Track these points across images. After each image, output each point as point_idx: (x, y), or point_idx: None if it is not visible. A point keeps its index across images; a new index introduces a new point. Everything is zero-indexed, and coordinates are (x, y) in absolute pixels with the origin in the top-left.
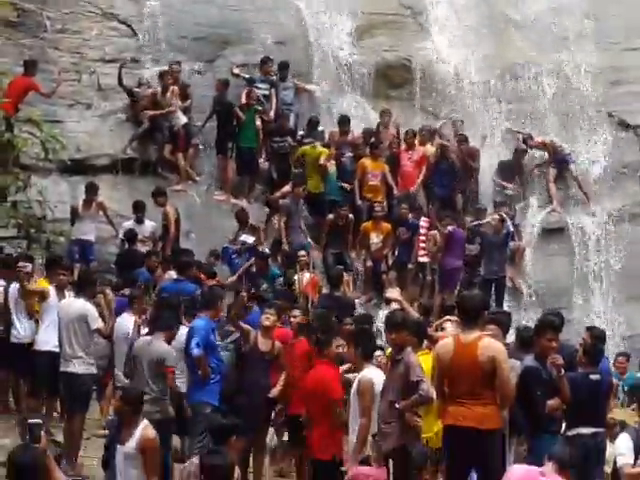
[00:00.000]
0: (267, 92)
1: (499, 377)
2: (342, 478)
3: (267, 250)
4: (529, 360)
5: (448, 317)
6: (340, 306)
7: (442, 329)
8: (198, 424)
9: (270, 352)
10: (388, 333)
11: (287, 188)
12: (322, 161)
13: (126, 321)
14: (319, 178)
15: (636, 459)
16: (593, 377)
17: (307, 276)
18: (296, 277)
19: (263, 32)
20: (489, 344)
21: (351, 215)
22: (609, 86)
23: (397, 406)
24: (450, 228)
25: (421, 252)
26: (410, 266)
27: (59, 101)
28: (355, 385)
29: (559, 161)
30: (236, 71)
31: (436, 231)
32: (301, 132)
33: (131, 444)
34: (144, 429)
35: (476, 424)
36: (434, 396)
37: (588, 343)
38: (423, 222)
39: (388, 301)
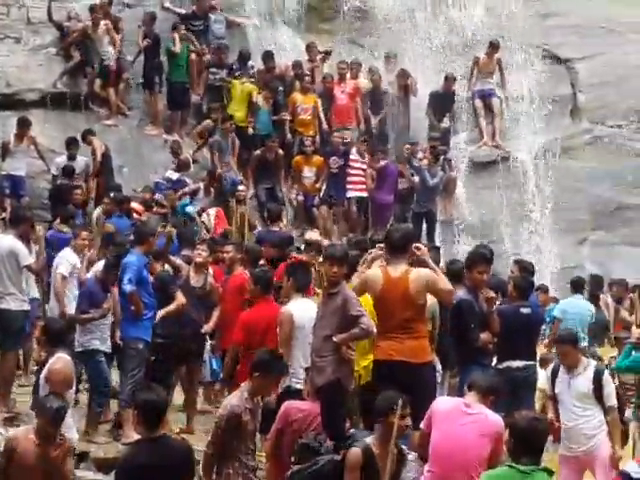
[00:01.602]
0: (201, 28)
1: (438, 289)
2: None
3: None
4: (462, 293)
5: (379, 245)
6: (280, 241)
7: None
8: (131, 359)
9: (202, 287)
10: (329, 266)
11: (208, 121)
12: (254, 97)
13: (67, 257)
14: (245, 112)
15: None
16: (524, 310)
17: (212, 211)
18: (211, 212)
19: None
20: (418, 275)
21: (280, 150)
22: (540, 19)
23: (335, 339)
24: (382, 162)
25: (356, 186)
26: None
27: None
28: None
29: (482, 94)
30: (167, 5)
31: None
32: (234, 65)
33: (44, 373)
34: (53, 361)
35: (408, 357)
36: (374, 330)
37: (517, 276)
38: (354, 155)
39: (308, 243)
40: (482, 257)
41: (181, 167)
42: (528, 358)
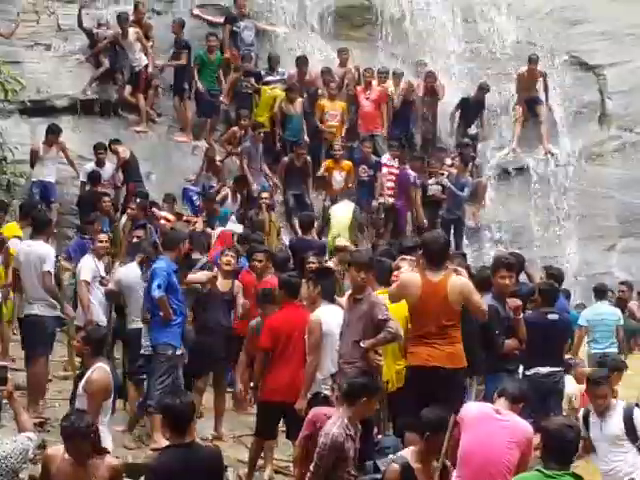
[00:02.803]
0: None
1: (471, 301)
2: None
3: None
4: (488, 299)
5: (403, 256)
6: (314, 248)
7: (398, 268)
8: (161, 365)
9: (229, 292)
10: (356, 272)
11: (236, 128)
12: (276, 107)
13: (87, 263)
14: (267, 116)
15: None
16: (550, 317)
17: (216, 232)
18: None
19: None
20: (457, 281)
21: (309, 157)
22: (569, 26)
23: (362, 345)
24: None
25: (387, 192)
26: (374, 204)
27: (18, 42)
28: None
29: (529, 100)
30: (196, 12)
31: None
32: (263, 71)
33: (82, 384)
34: (93, 371)
35: (445, 363)
36: (402, 334)
37: (543, 282)
38: (387, 160)
39: (338, 249)
40: (503, 262)
41: (214, 172)
42: (555, 364)
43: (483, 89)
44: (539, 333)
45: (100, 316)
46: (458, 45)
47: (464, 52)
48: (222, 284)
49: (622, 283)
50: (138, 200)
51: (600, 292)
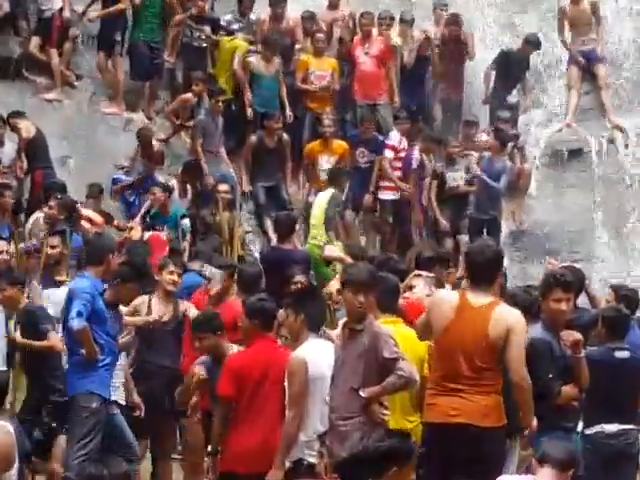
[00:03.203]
0: None
1: (510, 354)
2: None
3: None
4: (536, 331)
5: (418, 272)
6: (296, 261)
7: (410, 289)
8: (82, 423)
9: (173, 319)
10: (352, 294)
11: (188, 95)
12: (235, 64)
13: None
14: (225, 77)
15: None
16: (619, 355)
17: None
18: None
19: None
20: (506, 312)
21: (285, 135)
22: None
23: (362, 394)
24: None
25: (387, 183)
26: (366, 198)
27: None
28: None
29: (587, 58)
30: None
31: None
32: (228, 17)
33: None
34: None
35: (476, 420)
36: (417, 379)
37: (609, 308)
38: (394, 139)
39: (328, 261)
40: (558, 281)
41: (151, 160)
42: (627, 420)
43: (531, 43)
44: (604, 377)
45: None
46: None
47: None
48: (161, 310)
49: None
50: (59, 196)
51: None
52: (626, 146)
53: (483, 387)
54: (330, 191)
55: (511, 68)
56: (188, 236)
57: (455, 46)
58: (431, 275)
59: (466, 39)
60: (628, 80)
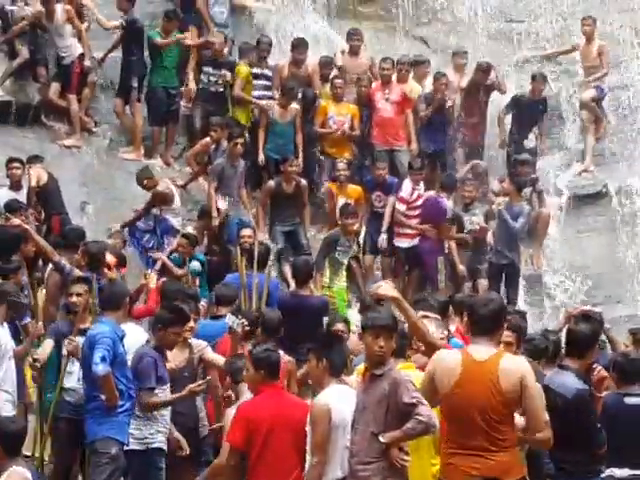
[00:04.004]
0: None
1: (529, 407)
2: None
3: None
4: (574, 381)
5: (424, 313)
6: (314, 307)
7: None
8: (102, 470)
9: (189, 366)
10: (372, 338)
11: (207, 140)
12: (236, 89)
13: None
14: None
15: None
16: (628, 400)
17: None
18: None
19: None
20: (513, 363)
21: (303, 180)
22: None
23: (382, 439)
24: (427, 195)
25: (402, 230)
26: (380, 239)
27: None
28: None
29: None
30: None
31: None
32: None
33: None
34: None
35: (497, 474)
36: (437, 424)
37: (622, 353)
38: (406, 189)
39: (379, 300)
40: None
41: (155, 201)
42: (638, 466)
43: (538, 80)
44: (614, 422)
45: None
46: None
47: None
48: (177, 357)
49: None
50: (84, 243)
51: None
52: None
53: (501, 442)
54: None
55: (525, 112)
56: (197, 280)
57: (482, 92)
58: (439, 317)
59: (497, 82)
60: None
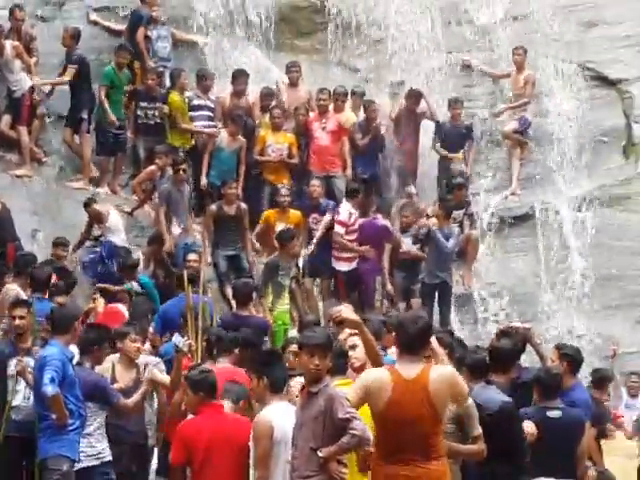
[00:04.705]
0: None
1: (463, 404)
2: None
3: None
4: (494, 394)
5: (352, 331)
6: (252, 328)
7: (352, 348)
8: None
9: (134, 385)
10: (308, 357)
11: (152, 167)
12: (182, 125)
13: None
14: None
15: None
16: (552, 414)
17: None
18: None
19: None
20: (440, 373)
21: (243, 204)
22: (583, 28)
23: (320, 454)
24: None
25: (344, 254)
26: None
27: None
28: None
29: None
30: (93, 17)
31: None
32: (189, 94)
33: None
34: None
35: None
36: (371, 436)
37: (542, 369)
38: (344, 211)
39: (340, 322)
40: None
41: (91, 219)
42: (564, 475)
43: (455, 104)
44: (539, 434)
45: None
46: (438, 56)
47: (444, 65)
48: (125, 377)
49: (633, 373)
50: (32, 268)
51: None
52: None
53: (433, 454)
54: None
55: (449, 137)
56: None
57: (411, 118)
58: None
59: (428, 110)
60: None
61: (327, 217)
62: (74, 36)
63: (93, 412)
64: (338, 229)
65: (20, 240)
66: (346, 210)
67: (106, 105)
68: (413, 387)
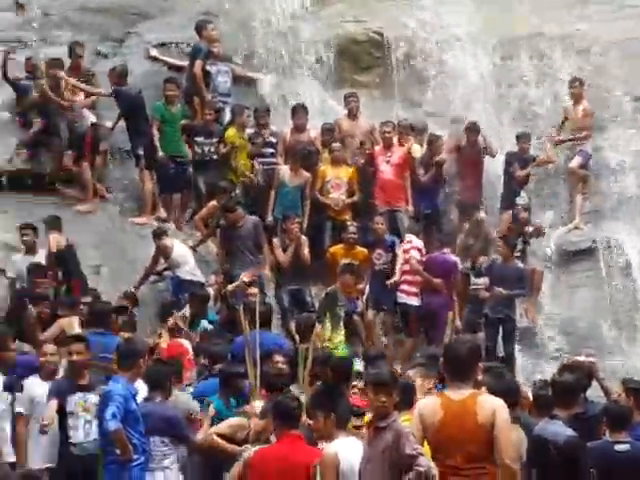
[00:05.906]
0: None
1: (499, 435)
2: None
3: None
4: (565, 429)
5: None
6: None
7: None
8: None
9: None
10: (374, 394)
11: (214, 203)
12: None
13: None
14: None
15: None
16: (619, 448)
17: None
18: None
19: (187, 0)
20: (487, 400)
21: (304, 237)
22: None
23: None
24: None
25: (409, 288)
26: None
27: None
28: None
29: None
30: (153, 53)
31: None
32: (249, 131)
33: None
34: None
35: None
36: (436, 472)
37: (612, 403)
38: (409, 245)
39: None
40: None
41: (157, 253)
42: None
43: (522, 138)
44: (606, 469)
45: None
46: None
47: (508, 99)
48: None
49: None
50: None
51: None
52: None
53: (482, 475)
54: None
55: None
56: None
57: (472, 151)
58: None
59: (485, 143)
60: None
61: (400, 252)
62: (121, 75)
63: (168, 446)
64: (414, 254)
65: (86, 277)
66: (419, 240)
67: (156, 140)
68: (461, 410)
